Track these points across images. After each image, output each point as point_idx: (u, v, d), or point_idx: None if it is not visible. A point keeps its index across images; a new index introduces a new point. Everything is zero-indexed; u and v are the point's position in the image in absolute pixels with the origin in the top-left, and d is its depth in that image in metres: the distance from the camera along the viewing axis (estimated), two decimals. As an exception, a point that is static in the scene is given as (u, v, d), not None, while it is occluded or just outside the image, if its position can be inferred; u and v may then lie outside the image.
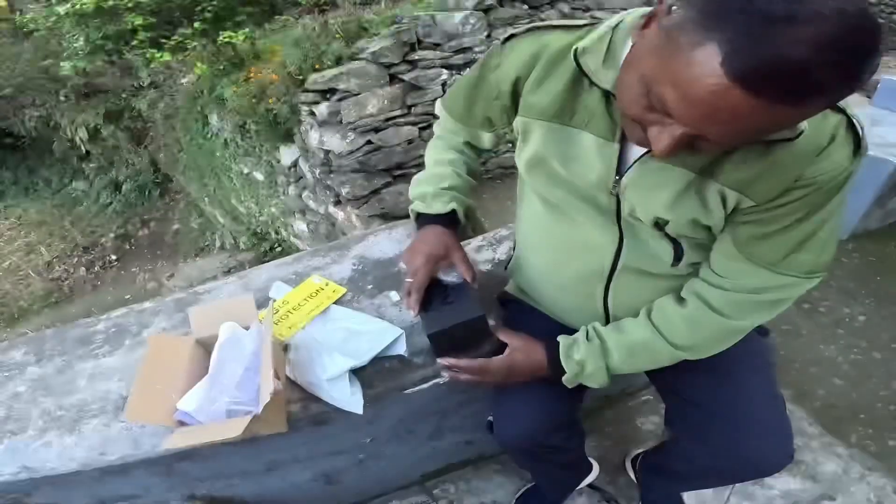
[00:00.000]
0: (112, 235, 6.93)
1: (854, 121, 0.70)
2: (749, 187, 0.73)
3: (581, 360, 0.94)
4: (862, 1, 0.51)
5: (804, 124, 0.66)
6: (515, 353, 0.99)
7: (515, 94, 0.91)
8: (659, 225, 0.82)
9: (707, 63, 0.53)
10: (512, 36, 0.91)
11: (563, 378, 0.96)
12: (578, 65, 0.78)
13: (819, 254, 0.77)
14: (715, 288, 0.84)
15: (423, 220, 1.12)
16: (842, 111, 0.70)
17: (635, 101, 0.63)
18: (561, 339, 0.98)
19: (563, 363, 0.95)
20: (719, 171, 0.73)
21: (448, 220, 1.09)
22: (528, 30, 0.89)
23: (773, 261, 0.78)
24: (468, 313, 0.98)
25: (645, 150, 0.76)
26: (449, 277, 1.05)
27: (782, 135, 0.67)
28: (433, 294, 1.04)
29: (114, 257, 6.73)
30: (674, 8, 0.58)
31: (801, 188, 0.71)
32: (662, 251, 0.87)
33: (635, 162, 0.79)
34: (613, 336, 0.93)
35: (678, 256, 0.87)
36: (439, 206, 1.09)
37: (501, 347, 1.00)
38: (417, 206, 1.12)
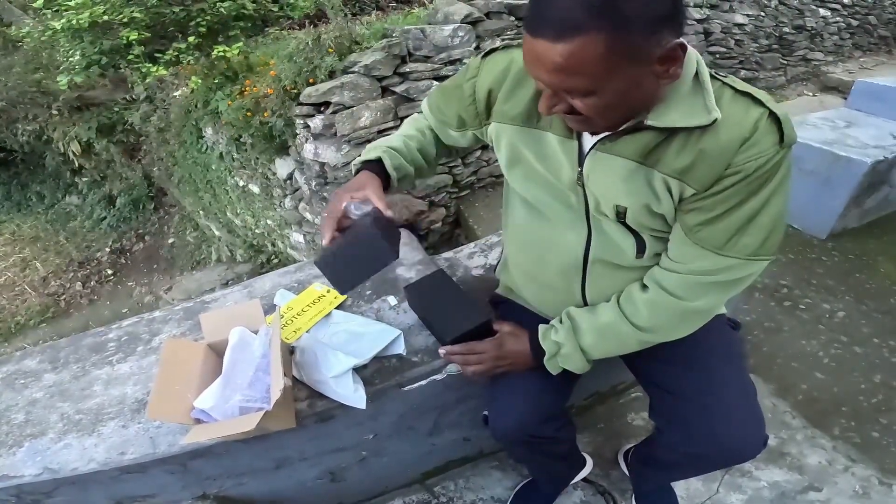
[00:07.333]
0: (107, 250, 6.91)
1: (776, 113, 0.79)
2: (687, 175, 0.83)
3: (557, 340, 1.03)
4: None
5: (717, 112, 0.78)
6: (505, 336, 1.10)
7: (489, 103, 1.02)
8: (620, 215, 0.91)
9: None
10: (491, 51, 1.02)
11: (544, 360, 1.05)
12: None
13: (762, 238, 0.86)
14: (669, 272, 0.93)
15: (357, 170, 1.13)
16: (763, 105, 0.80)
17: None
18: (540, 325, 1.08)
19: (542, 343, 1.05)
20: (659, 162, 0.84)
21: (377, 169, 1.10)
22: (503, 47, 1.01)
23: (717, 244, 0.86)
24: (481, 317, 1.13)
25: (593, 142, 0.89)
26: (357, 209, 1.03)
27: (698, 121, 0.79)
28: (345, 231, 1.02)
29: (109, 272, 6.70)
30: None
31: (733, 175, 0.81)
32: (626, 244, 0.96)
33: (587, 154, 0.90)
34: (585, 317, 1.02)
35: (641, 249, 0.96)
36: (370, 155, 1.11)
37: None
38: (354, 161, 1.15)
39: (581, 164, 0.91)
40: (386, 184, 1.10)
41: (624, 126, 0.83)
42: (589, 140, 0.90)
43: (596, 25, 0.66)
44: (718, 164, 0.81)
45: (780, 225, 0.87)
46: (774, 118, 0.79)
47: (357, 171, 1.13)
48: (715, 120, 0.78)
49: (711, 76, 0.82)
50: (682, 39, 0.72)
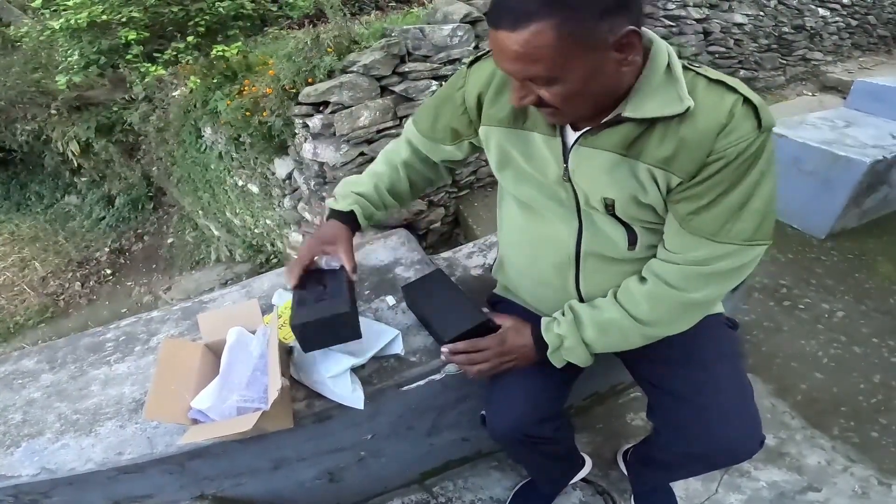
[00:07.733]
0: (106, 250, 6.90)
1: (751, 99, 0.81)
2: (670, 164, 0.84)
3: (560, 333, 1.03)
4: None
5: (689, 101, 0.80)
6: (507, 331, 1.10)
7: (479, 108, 1.04)
8: (609, 207, 0.93)
9: None
10: (476, 59, 1.05)
11: (548, 353, 1.05)
12: None
13: (755, 222, 0.86)
14: (668, 264, 0.94)
15: (330, 215, 1.21)
16: (736, 92, 0.81)
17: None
18: (543, 319, 1.08)
19: (544, 336, 1.05)
20: (642, 153, 0.86)
21: (348, 220, 1.18)
22: (487, 53, 1.02)
23: (712, 232, 0.87)
24: (480, 317, 1.13)
25: (575, 138, 0.91)
26: (328, 265, 1.14)
27: (671, 110, 0.81)
28: (312, 276, 1.13)
29: (109, 271, 6.69)
30: None
31: (716, 162, 0.82)
32: (617, 236, 0.98)
33: (570, 149, 0.92)
34: (587, 311, 1.03)
35: (633, 240, 0.97)
36: (342, 205, 1.18)
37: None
38: (328, 202, 1.23)
39: (566, 160, 0.93)
40: (356, 227, 1.18)
41: (605, 120, 0.85)
42: (572, 136, 0.92)
43: (546, 12, 0.71)
44: (699, 152, 0.82)
45: (772, 209, 0.88)
46: (750, 104, 0.81)
47: (329, 215, 1.20)
48: (688, 108, 0.80)
49: (685, 67, 0.85)
50: (641, 28, 0.76)
